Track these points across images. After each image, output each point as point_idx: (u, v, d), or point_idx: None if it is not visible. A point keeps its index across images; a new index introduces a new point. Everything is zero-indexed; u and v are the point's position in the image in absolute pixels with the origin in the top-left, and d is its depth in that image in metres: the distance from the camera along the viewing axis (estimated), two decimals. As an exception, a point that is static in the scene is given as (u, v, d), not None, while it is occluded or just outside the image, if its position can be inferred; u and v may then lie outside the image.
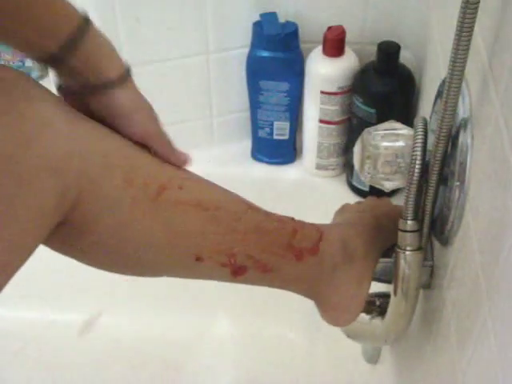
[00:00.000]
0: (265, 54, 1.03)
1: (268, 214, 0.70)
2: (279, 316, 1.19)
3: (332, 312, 0.76)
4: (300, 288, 0.74)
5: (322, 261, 0.72)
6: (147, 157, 0.63)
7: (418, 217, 0.68)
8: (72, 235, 0.60)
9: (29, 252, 0.55)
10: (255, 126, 1.12)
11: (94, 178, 0.57)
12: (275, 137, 1.12)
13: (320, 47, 1.01)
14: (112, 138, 0.61)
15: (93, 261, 0.64)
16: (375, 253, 0.75)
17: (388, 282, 0.73)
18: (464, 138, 0.61)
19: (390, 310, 0.73)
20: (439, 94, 0.70)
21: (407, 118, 0.96)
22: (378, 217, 0.78)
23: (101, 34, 0.59)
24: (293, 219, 0.72)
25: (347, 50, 1.01)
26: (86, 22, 0.57)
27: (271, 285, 0.73)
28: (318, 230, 0.73)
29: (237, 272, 0.68)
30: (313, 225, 0.74)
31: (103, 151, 0.58)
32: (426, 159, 0.66)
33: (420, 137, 0.65)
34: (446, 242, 0.67)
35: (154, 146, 0.64)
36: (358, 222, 0.77)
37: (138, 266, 0.66)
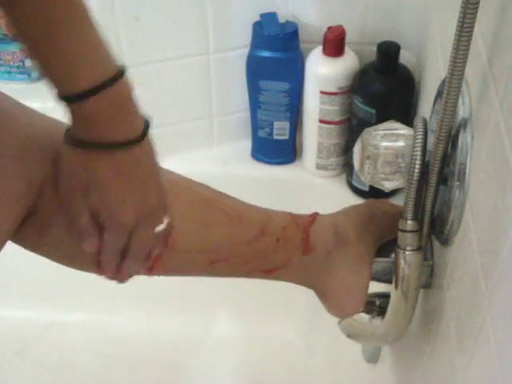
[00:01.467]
0: (265, 53, 1.03)
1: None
2: (279, 316, 1.19)
3: (335, 301, 0.75)
4: (296, 277, 0.74)
5: (314, 248, 0.72)
6: None
7: (417, 217, 0.68)
8: (42, 226, 0.60)
9: (1, 241, 0.55)
10: (255, 125, 1.12)
11: (58, 162, 0.58)
12: (275, 137, 1.12)
13: (320, 47, 1.01)
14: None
15: (62, 256, 0.64)
16: (370, 239, 0.75)
17: (388, 281, 0.73)
18: (464, 138, 0.61)
19: (390, 309, 0.73)
20: (439, 94, 0.70)
21: (407, 118, 0.96)
22: (373, 209, 0.78)
23: (127, 92, 0.54)
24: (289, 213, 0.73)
25: (347, 50, 1.01)
26: (116, 77, 0.52)
27: (266, 277, 0.73)
28: (309, 219, 0.73)
29: None
30: (304, 215, 0.74)
31: (61, 138, 0.58)
32: (426, 159, 0.66)
33: (420, 137, 0.65)
34: (445, 241, 0.67)
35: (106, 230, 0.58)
36: (351, 212, 0.77)
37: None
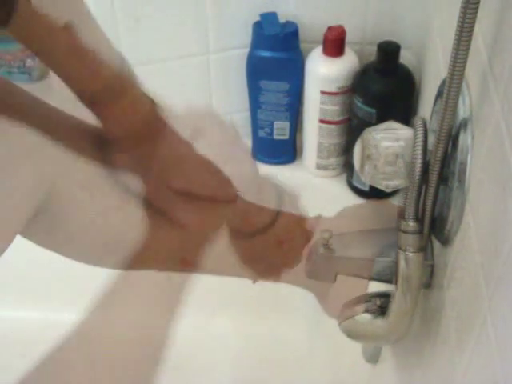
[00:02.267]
0: (265, 53, 1.03)
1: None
2: (279, 316, 1.19)
3: (334, 304, 0.75)
4: (297, 280, 0.74)
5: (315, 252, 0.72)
6: None
7: (418, 217, 0.68)
8: (52, 225, 0.60)
9: (8, 238, 0.56)
10: (255, 126, 1.12)
11: (68, 163, 0.58)
12: (275, 137, 1.12)
13: (320, 47, 1.01)
14: None
15: (74, 252, 0.65)
16: (372, 242, 0.75)
17: (388, 281, 0.73)
18: (464, 138, 0.61)
19: (391, 310, 0.73)
20: (439, 94, 0.70)
21: (407, 118, 0.95)
22: (375, 211, 0.78)
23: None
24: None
25: (347, 50, 1.01)
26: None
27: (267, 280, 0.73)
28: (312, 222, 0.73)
29: None
30: (307, 218, 0.74)
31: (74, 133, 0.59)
32: (426, 159, 0.66)
33: (420, 137, 0.65)
34: (445, 241, 0.67)
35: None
36: (353, 214, 0.77)
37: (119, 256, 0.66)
